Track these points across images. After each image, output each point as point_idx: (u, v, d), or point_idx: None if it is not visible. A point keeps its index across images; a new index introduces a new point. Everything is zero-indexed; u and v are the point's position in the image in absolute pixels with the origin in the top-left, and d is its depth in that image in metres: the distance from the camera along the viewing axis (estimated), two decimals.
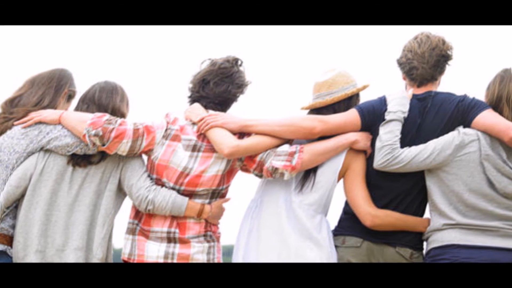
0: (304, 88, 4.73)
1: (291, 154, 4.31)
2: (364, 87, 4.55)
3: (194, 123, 4.45)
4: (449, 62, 4.47)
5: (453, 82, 4.68)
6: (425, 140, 4.30)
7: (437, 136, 4.29)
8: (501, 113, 4.30)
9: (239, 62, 4.55)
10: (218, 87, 4.47)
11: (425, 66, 4.39)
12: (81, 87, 4.63)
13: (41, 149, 4.42)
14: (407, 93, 4.44)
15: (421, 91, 4.44)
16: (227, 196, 4.54)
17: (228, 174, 4.45)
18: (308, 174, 4.41)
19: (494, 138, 4.26)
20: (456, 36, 4.58)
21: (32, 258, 4.33)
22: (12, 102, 4.55)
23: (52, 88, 4.54)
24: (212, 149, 4.40)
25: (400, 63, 4.48)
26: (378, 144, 4.30)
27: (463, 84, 4.91)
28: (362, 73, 4.74)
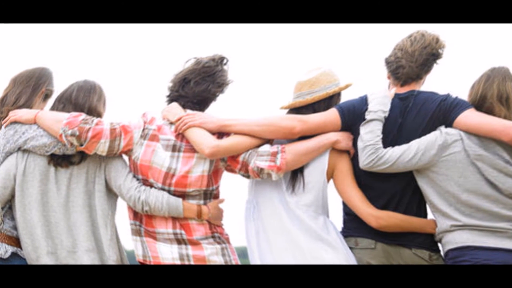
0: (284, 87, 4.73)
1: (274, 154, 4.30)
2: (347, 86, 4.52)
3: (171, 123, 4.43)
4: (438, 61, 4.45)
5: (438, 81, 4.68)
6: (407, 140, 4.28)
7: (419, 136, 4.27)
8: (490, 112, 4.25)
9: (225, 61, 4.53)
10: (198, 86, 4.45)
11: (412, 64, 4.37)
12: (62, 87, 4.61)
13: (19, 149, 4.41)
14: (390, 92, 4.42)
15: (404, 90, 4.42)
16: (220, 197, 4.53)
17: (214, 175, 4.43)
18: (295, 174, 4.40)
19: (485, 138, 4.22)
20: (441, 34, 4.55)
21: (46, 260, 4.35)
22: (1, 102, 4.57)
23: (29, 87, 4.54)
24: (193, 149, 4.37)
25: (388, 62, 4.46)
26: (360, 144, 4.29)
27: (449, 83, 4.93)
28: (347, 72, 4.75)
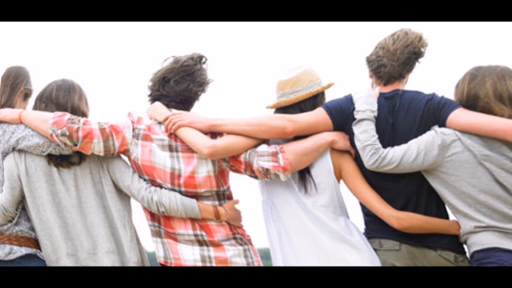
0: (262, 86, 4.73)
1: (274, 154, 4.28)
2: (329, 85, 4.50)
3: (160, 122, 4.41)
4: (420, 60, 4.40)
5: (420, 79, 4.63)
6: (404, 140, 4.25)
7: (415, 136, 4.24)
8: (488, 111, 4.18)
9: (203, 60, 4.51)
10: (178, 85, 4.42)
11: (394, 63, 4.34)
12: (38, 86, 4.60)
13: (13, 149, 4.40)
14: (374, 91, 4.39)
15: (387, 89, 4.39)
16: (234, 198, 4.51)
17: (221, 176, 4.41)
18: (303, 175, 4.38)
19: (487, 137, 4.17)
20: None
21: (66, 261, 4.34)
22: None
23: (7, 86, 4.53)
24: (190, 149, 4.36)
25: (369, 61, 4.43)
26: (358, 144, 4.27)
27: (430, 82, 4.86)
28: (327, 71, 4.70)
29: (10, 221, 4.36)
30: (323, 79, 4.53)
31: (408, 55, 4.35)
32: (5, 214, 4.34)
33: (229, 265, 4.32)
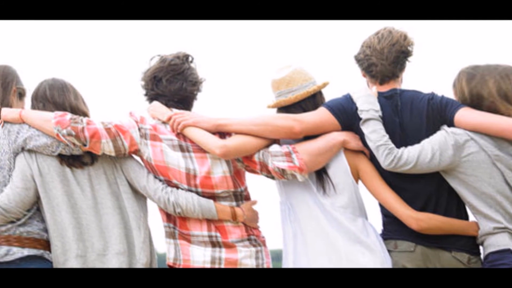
0: (250, 85, 4.69)
1: (288, 155, 4.26)
2: (325, 85, 4.48)
3: (164, 122, 4.38)
4: (409, 59, 4.38)
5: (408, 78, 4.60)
6: (416, 140, 4.23)
7: (426, 135, 4.22)
8: (494, 111, 4.16)
9: (190, 59, 4.49)
10: (171, 84, 4.40)
11: (384, 62, 4.32)
12: (26, 85, 4.56)
13: (22, 149, 4.35)
14: (371, 90, 4.36)
15: (384, 88, 4.37)
16: (252, 199, 4.49)
17: (238, 176, 4.39)
18: (321, 176, 4.35)
19: (497, 137, 4.15)
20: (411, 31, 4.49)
21: (73, 263, 4.30)
22: None
23: None
24: (201, 149, 4.33)
25: (358, 60, 4.41)
26: (370, 144, 4.23)
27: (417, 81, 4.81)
28: (316, 69, 4.67)
29: (13, 222, 4.30)
30: (315, 77, 4.50)
31: (396, 54, 4.33)
32: (5, 215, 4.28)
33: (238, 266, 4.30)
